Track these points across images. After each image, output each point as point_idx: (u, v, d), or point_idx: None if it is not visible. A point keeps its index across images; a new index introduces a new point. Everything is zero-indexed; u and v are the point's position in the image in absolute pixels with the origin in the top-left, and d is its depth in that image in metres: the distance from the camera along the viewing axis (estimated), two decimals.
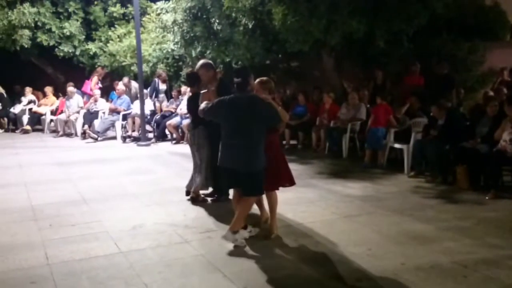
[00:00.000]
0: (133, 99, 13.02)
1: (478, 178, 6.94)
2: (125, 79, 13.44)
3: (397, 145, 8.47)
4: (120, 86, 13.00)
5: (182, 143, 11.11)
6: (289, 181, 5.28)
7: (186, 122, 10.49)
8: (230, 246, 4.81)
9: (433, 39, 10.95)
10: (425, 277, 4.06)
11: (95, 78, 14.20)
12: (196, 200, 6.41)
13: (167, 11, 12.13)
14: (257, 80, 5.11)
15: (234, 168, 4.85)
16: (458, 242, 4.87)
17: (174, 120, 11.61)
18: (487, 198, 6.40)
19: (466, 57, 10.91)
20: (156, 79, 12.82)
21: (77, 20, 14.89)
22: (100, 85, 14.36)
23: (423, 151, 7.68)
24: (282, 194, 6.44)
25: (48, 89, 14.84)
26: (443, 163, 7.33)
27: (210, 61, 6.74)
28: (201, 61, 6.47)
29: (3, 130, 14.62)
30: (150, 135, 12.34)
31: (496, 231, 5.14)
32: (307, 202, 6.40)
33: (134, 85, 13.29)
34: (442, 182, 7.32)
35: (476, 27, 11.64)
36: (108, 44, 14.77)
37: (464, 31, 11.25)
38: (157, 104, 12.59)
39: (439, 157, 7.34)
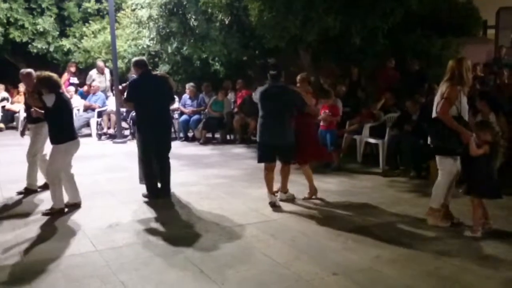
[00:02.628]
0: (107, 86, 13.03)
1: None
2: (101, 63, 13.26)
3: (372, 140, 8.58)
4: (95, 83, 12.84)
5: None
6: (317, 158, 6.69)
7: None
8: (207, 242, 4.84)
9: (408, 36, 11.09)
10: (399, 269, 4.13)
11: (65, 75, 13.90)
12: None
13: (142, 7, 12.02)
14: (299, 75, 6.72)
15: (271, 143, 6.01)
16: (432, 234, 4.98)
17: None
18: (460, 191, 6.51)
19: (439, 53, 11.09)
20: (134, 75, 12.65)
21: (51, 16, 14.62)
22: (73, 80, 14.04)
23: (398, 146, 7.79)
24: (260, 190, 6.52)
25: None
26: (417, 158, 7.45)
27: (141, 59, 6.78)
28: (135, 58, 6.75)
29: None
30: (126, 132, 12.22)
31: (469, 223, 5.26)
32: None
33: (107, 72, 13.29)
34: (416, 176, 7.45)
35: (450, 23, 11.85)
36: (82, 40, 14.55)
37: (437, 28, 11.43)
38: None
39: (413, 151, 7.45)
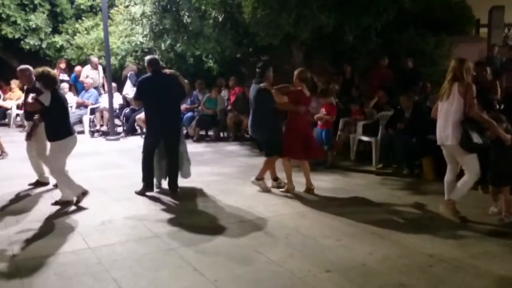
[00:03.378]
0: (100, 83, 13.00)
1: (443, 170, 7.08)
2: (95, 58, 13.19)
3: (365, 138, 8.60)
4: (88, 80, 12.78)
5: None
6: (304, 156, 6.58)
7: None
8: (200, 239, 4.83)
9: (401, 34, 11.11)
10: (392, 267, 4.14)
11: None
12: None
13: (135, 3, 11.97)
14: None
15: (252, 134, 6.88)
16: (424, 232, 4.99)
17: (144, 114, 11.45)
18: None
19: (432, 51, 11.12)
20: (133, 72, 12.57)
21: (43, 12, 14.55)
22: (63, 77, 13.91)
23: (391, 143, 7.81)
24: (254, 188, 6.54)
25: (14, 83, 14.47)
26: (410, 155, 7.47)
27: (153, 57, 6.77)
28: (147, 57, 6.77)
29: None
30: (119, 129, 12.17)
31: (472, 219, 5.29)
32: (278, 194, 6.47)
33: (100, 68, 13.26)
34: (408, 174, 7.48)
35: (443, 21, 11.87)
36: (75, 37, 14.50)
37: (431, 26, 11.46)
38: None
39: (405, 149, 7.47)
